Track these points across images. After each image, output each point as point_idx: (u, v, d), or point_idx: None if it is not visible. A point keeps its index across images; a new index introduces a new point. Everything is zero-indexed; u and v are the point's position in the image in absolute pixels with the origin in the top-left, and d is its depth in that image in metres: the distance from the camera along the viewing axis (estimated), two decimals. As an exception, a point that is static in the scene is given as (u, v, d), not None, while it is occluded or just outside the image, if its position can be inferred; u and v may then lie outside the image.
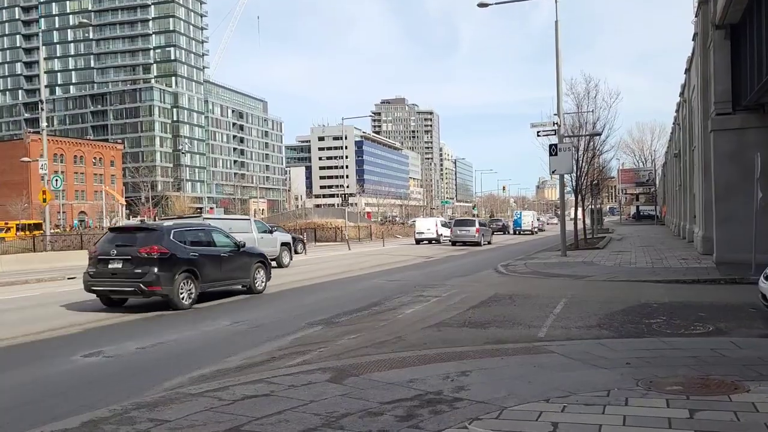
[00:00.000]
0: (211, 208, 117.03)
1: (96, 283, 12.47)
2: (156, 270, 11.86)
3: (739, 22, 17.98)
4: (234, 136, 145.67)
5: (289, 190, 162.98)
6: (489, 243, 40.41)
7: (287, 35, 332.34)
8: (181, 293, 12.30)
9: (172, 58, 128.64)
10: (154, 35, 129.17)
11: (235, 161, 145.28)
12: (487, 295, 13.41)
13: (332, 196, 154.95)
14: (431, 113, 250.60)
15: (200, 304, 12.88)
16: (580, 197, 31.11)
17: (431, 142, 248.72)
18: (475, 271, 20.04)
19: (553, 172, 23.85)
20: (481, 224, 41.83)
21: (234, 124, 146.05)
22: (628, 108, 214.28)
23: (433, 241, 42.39)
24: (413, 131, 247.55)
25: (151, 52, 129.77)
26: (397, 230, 66.40)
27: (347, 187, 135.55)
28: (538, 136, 24.36)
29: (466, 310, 11.42)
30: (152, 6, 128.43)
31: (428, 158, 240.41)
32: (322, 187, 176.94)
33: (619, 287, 14.41)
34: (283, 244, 24.56)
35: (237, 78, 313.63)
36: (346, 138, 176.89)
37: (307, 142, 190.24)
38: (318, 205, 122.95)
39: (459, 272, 19.81)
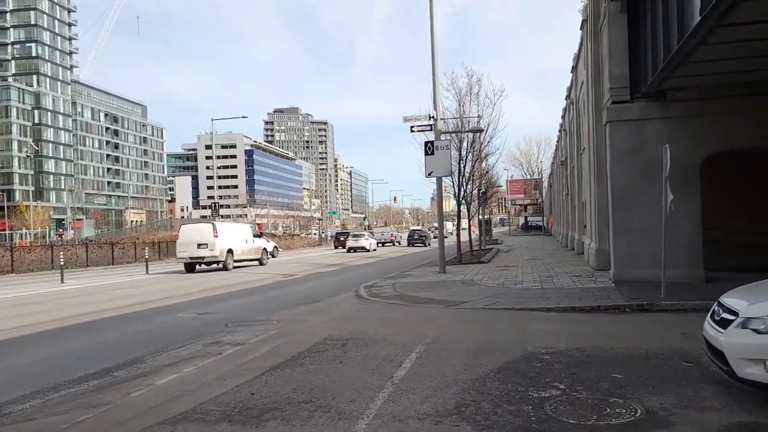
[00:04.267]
0: (79, 220, 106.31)
1: None
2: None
3: (638, -7, 15.10)
4: (108, 142, 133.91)
5: (171, 201, 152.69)
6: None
7: (179, 43, 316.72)
8: None
9: (34, 54, 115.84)
10: (12, 29, 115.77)
11: (108, 169, 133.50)
12: (313, 339, 9.18)
13: (221, 206, 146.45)
14: (325, 123, 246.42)
15: None
16: (466, 207, 27.93)
17: (326, 153, 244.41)
18: (331, 295, 15.85)
19: (429, 173, 20.21)
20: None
21: (108, 128, 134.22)
22: (518, 124, 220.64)
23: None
24: (307, 141, 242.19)
25: (9, 47, 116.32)
26: (290, 242, 61.40)
27: (233, 197, 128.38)
28: (412, 131, 20.65)
29: (259, 375, 7.12)
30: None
31: (323, 169, 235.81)
32: (210, 197, 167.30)
33: (500, 321, 10.67)
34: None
35: (122, 83, 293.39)
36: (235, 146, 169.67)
37: (193, 150, 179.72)
38: (204, 216, 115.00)
39: (308, 297, 15.53)
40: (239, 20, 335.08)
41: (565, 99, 35.28)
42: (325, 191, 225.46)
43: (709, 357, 5.91)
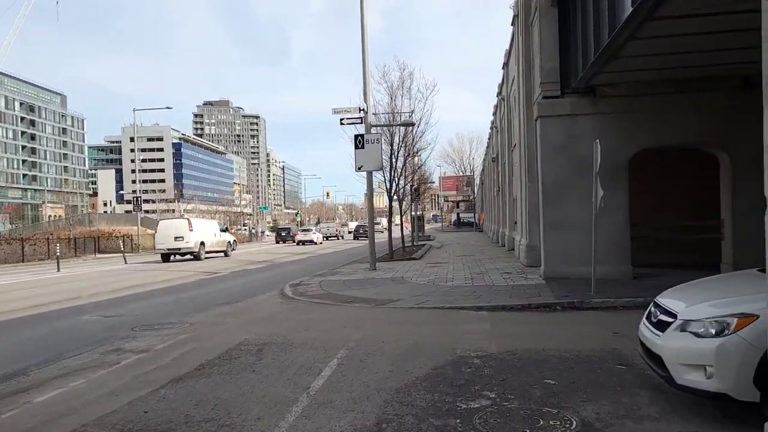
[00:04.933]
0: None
1: None
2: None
3: (569, -13, 14.97)
4: (23, 132, 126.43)
5: (93, 195, 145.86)
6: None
7: (105, 32, 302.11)
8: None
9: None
10: None
11: (24, 161, 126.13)
12: (226, 345, 8.40)
13: (147, 201, 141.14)
14: (257, 117, 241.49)
15: None
16: (398, 202, 27.56)
17: (258, 147, 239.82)
18: (254, 294, 14.98)
19: (359, 168, 19.59)
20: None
21: (23, 118, 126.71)
22: (451, 122, 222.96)
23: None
24: (239, 135, 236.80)
25: None
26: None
27: (156, 191, 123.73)
28: (342, 123, 19.95)
29: (157, 389, 6.31)
30: None
31: (254, 163, 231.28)
32: (135, 192, 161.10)
33: (429, 321, 10.19)
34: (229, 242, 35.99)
35: (42, 72, 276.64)
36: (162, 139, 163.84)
37: (117, 142, 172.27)
38: (128, 211, 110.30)
39: (229, 296, 14.62)
40: (171, 8, 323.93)
41: (497, 96, 35.45)
42: (257, 186, 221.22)
43: (645, 361, 5.54)
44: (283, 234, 57.92)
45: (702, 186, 15.60)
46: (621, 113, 14.37)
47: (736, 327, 4.55)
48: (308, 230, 56.61)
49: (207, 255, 32.51)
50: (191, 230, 31.15)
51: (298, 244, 50.31)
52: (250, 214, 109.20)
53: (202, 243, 31.89)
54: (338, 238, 64.27)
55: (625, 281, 13.48)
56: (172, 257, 31.58)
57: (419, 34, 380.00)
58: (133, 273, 23.79)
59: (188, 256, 31.64)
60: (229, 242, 35.89)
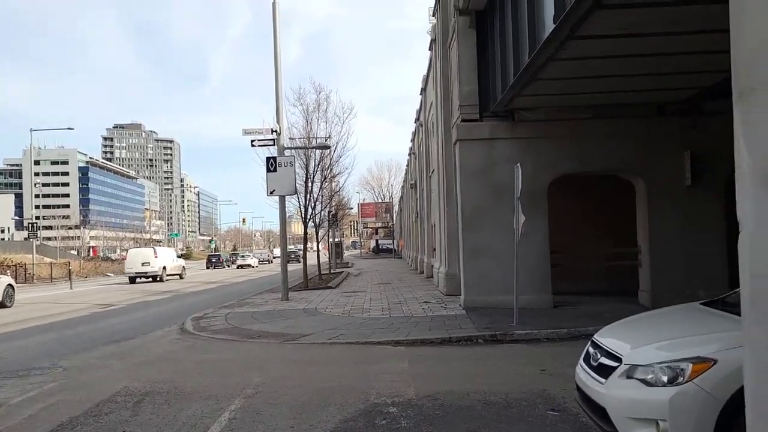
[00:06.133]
0: None
1: None
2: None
3: (486, 9, 14.71)
4: None
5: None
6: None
7: (8, 50, 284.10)
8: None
9: None
10: None
11: None
12: (99, 396, 7.09)
13: (49, 228, 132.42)
14: (171, 141, 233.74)
15: None
16: (315, 229, 26.48)
17: (171, 172, 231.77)
18: (149, 330, 13.47)
19: (271, 192, 18.47)
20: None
21: None
22: (370, 149, 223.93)
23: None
24: (151, 160, 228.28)
25: None
26: (109, 267, 55.79)
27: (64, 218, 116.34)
28: (253, 145, 18.80)
29: (-8, 462, 5.02)
30: None
31: (168, 189, 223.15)
32: (37, 218, 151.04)
33: (342, 359, 9.22)
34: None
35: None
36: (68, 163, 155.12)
37: (18, 165, 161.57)
38: (26, 238, 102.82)
39: (122, 332, 13.06)
40: (82, 28, 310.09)
41: (415, 122, 35.28)
42: (170, 212, 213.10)
43: (584, 411, 4.82)
44: (213, 260, 64.54)
45: (622, 212, 15.56)
46: (540, 138, 14.11)
47: (692, 374, 3.89)
48: (246, 256, 67.11)
49: (168, 277, 37.74)
50: (156, 257, 36.95)
51: (238, 267, 58.39)
52: (160, 241, 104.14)
53: (164, 267, 37.37)
54: (269, 263, 70.06)
55: (546, 310, 13.05)
56: (137, 279, 36.67)
57: (338, 64, 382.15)
58: (19, 307, 21.39)
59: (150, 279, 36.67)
60: (183, 267, 41.88)
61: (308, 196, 23.05)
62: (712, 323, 4.54)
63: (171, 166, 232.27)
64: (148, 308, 19.64)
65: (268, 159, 18.27)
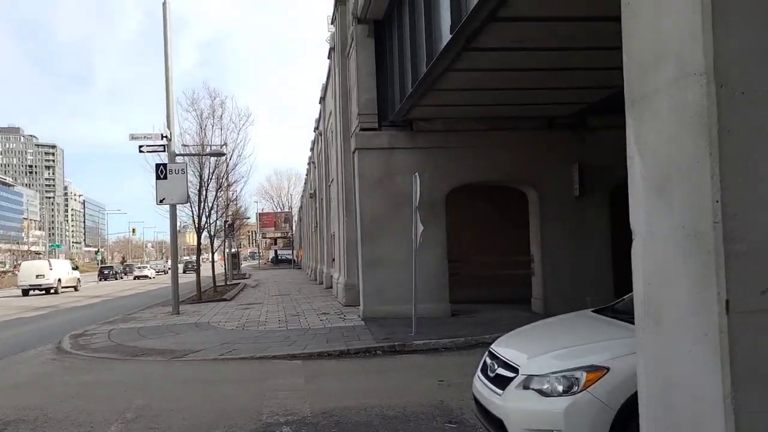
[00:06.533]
0: None
1: None
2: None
3: (385, 19, 14.75)
4: None
5: None
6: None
7: None
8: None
9: None
10: None
11: None
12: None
13: None
14: (54, 147, 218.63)
15: None
16: (210, 239, 25.43)
17: (54, 179, 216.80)
18: (20, 350, 12.24)
19: (161, 200, 17.50)
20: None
21: None
22: (269, 158, 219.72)
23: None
24: (31, 166, 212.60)
25: None
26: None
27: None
28: (141, 151, 17.76)
29: None
30: None
31: (49, 197, 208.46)
32: None
33: (233, 376, 8.75)
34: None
35: None
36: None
37: None
38: None
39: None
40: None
41: (314, 131, 34.98)
42: (52, 222, 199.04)
43: (482, 424, 4.73)
44: (105, 272, 63.40)
45: (517, 222, 15.95)
46: (437, 148, 14.24)
47: (586, 383, 3.88)
48: (144, 267, 68.52)
49: (63, 289, 36.43)
50: (51, 269, 36.04)
51: (135, 278, 58.12)
52: (39, 253, 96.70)
53: (59, 279, 36.25)
54: (166, 273, 68.60)
55: (445, 319, 13.14)
56: (31, 292, 35.18)
57: (236, 70, 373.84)
58: None
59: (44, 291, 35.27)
60: (78, 279, 40.38)
61: (202, 205, 22.15)
62: (605, 331, 4.60)
63: (53, 173, 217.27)
64: (21, 326, 17.98)
65: (157, 166, 17.32)
